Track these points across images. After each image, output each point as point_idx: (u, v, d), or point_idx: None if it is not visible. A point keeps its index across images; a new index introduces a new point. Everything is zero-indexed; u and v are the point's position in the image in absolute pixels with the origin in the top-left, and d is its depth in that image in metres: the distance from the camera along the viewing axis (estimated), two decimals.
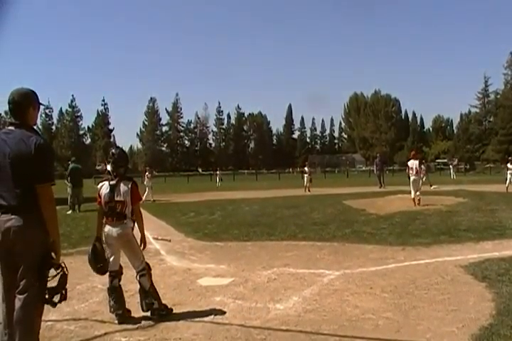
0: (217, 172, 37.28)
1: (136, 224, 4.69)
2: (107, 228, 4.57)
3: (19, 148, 3.22)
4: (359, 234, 9.38)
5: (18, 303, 3.19)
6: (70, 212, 15.46)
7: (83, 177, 17.07)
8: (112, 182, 4.61)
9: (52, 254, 3.28)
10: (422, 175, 15.23)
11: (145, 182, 20.66)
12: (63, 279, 3.33)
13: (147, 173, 21.37)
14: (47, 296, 3.26)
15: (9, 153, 3.23)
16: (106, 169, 4.77)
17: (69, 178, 16.21)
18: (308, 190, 24.04)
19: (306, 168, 26.09)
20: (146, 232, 4.77)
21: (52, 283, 3.32)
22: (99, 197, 4.65)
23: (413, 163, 14.82)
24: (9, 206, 3.23)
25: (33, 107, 3.44)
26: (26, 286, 3.19)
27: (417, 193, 14.43)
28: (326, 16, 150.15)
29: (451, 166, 44.64)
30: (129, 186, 4.59)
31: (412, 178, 14.57)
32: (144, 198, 19.78)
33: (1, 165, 3.26)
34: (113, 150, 4.82)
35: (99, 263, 4.57)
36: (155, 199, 20.09)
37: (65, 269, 3.34)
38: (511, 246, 7.67)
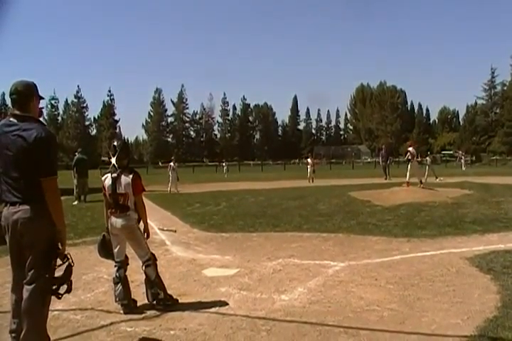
0: (224, 163, 37.38)
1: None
2: (112, 219, 4.60)
3: (19, 141, 3.20)
4: (364, 225, 9.38)
5: (25, 294, 3.22)
6: (75, 202, 15.54)
7: (89, 168, 17.16)
8: (113, 175, 4.60)
9: (59, 244, 3.31)
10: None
11: (170, 174, 20.63)
12: (69, 270, 3.36)
13: (171, 163, 21.01)
14: (53, 287, 3.28)
15: (11, 146, 3.22)
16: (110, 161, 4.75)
17: (75, 169, 16.28)
18: (312, 181, 24.44)
19: (309, 160, 26.67)
20: (151, 223, 4.79)
21: (57, 273, 3.34)
22: (104, 188, 4.67)
23: (413, 150, 17.31)
24: (16, 198, 3.24)
25: (36, 98, 3.42)
26: (34, 277, 3.21)
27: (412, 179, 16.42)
28: (330, 8, 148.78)
29: (462, 157, 44.37)
30: (131, 178, 4.57)
31: (412, 163, 17.01)
32: (177, 190, 19.93)
33: (4, 158, 3.26)
34: (115, 143, 4.78)
35: (109, 250, 4.68)
36: (172, 190, 20.03)
37: (70, 260, 3.36)
38: None
